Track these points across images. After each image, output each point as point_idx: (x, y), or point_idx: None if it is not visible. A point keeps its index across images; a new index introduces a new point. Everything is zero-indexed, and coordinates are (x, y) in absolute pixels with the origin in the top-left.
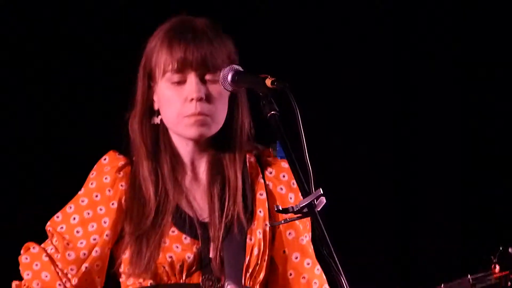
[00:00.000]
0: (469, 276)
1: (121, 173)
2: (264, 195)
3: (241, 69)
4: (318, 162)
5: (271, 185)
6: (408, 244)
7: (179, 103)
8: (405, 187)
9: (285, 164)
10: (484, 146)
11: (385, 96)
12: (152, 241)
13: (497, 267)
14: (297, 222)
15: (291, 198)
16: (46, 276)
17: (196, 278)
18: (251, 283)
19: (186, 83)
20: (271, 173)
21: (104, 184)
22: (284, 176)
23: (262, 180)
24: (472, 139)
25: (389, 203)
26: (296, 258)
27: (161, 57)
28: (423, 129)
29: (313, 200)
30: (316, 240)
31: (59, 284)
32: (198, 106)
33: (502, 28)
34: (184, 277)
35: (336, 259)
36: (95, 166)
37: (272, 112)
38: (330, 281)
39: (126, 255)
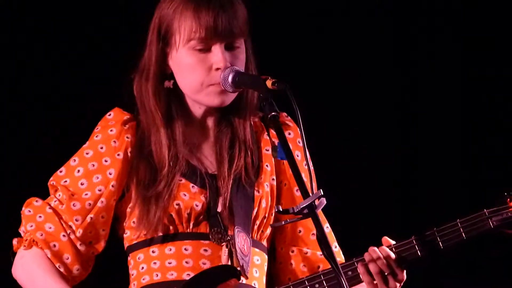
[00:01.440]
0: (485, 210)
1: (127, 126)
2: (270, 151)
3: (241, 70)
4: (319, 162)
5: (276, 142)
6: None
7: (203, 71)
8: (406, 188)
9: (289, 123)
10: (485, 148)
11: (386, 96)
12: (161, 201)
13: None
14: (304, 178)
15: (298, 156)
16: (50, 228)
17: (204, 228)
18: (258, 236)
19: (211, 51)
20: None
21: (110, 135)
22: (290, 134)
23: (267, 137)
24: (472, 140)
25: (390, 203)
26: None
27: (185, 23)
28: (425, 130)
29: (314, 201)
30: (317, 240)
31: (63, 235)
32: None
33: (502, 28)
34: (191, 226)
35: (336, 259)
36: (100, 121)
37: (273, 113)
38: None
39: (132, 212)
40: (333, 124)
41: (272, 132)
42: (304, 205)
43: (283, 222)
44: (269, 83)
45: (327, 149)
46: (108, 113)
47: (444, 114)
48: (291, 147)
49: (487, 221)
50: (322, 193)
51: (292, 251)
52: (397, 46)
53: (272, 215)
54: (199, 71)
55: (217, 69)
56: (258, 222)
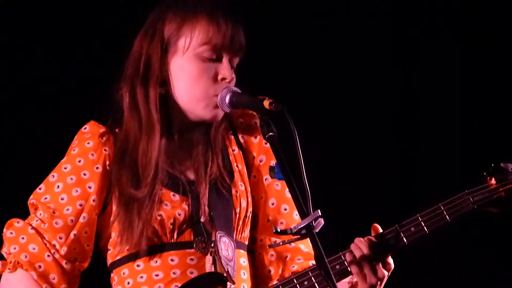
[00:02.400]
0: (466, 190)
1: (104, 138)
2: (237, 150)
3: (238, 90)
4: (318, 179)
5: (245, 137)
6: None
7: (209, 80)
8: (406, 191)
9: (253, 113)
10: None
11: (386, 107)
12: (143, 213)
13: (493, 179)
14: (272, 164)
15: (265, 144)
16: (34, 248)
17: (188, 236)
18: (241, 237)
19: (218, 62)
20: (242, 123)
21: (87, 148)
22: (255, 123)
23: (232, 136)
24: (473, 142)
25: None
26: (273, 204)
27: (199, 27)
28: (425, 134)
29: (312, 222)
30: (315, 260)
31: (48, 255)
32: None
33: (503, 27)
34: (175, 236)
35: (334, 279)
36: (76, 135)
37: (270, 134)
38: None
39: (114, 226)
40: (333, 125)
41: (239, 125)
42: (302, 226)
43: (281, 243)
44: (266, 103)
45: (325, 156)
46: (84, 127)
47: (444, 117)
48: (258, 138)
49: (469, 202)
50: (320, 214)
51: (261, 240)
52: (397, 48)
53: (250, 214)
54: (205, 79)
55: (223, 79)
56: (240, 223)
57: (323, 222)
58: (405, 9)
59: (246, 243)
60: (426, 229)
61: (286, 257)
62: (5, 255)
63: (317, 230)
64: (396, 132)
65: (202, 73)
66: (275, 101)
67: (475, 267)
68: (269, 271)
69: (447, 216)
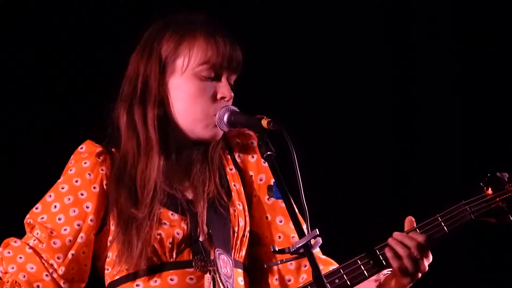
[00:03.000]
0: (463, 201)
1: (101, 158)
2: (234, 169)
3: (236, 109)
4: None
5: (241, 156)
6: None
7: (208, 99)
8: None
9: (250, 132)
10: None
11: (384, 108)
12: (142, 233)
13: (490, 189)
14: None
15: (264, 163)
16: (32, 268)
17: (187, 255)
18: (238, 256)
19: (216, 81)
20: (238, 143)
21: (84, 168)
22: (252, 143)
23: (229, 156)
24: (472, 143)
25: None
26: (281, 221)
27: (198, 47)
28: (424, 134)
29: (309, 241)
30: (312, 279)
31: (46, 275)
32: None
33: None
34: (174, 255)
35: None
36: (73, 155)
37: (268, 153)
38: None
39: (112, 246)
40: (331, 126)
41: (235, 145)
42: (300, 245)
43: (278, 262)
44: (264, 122)
45: (324, 156)
46: (80, 147)
47: (444, 117)
48: (256, 157)
49: (466, 212)
50: (318, 233)
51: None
52: (396, 48)
53: (248, 233)
54: (204, 98)
55: (222, 98)
56: (238, 242)
57: (321, 241)
58: (404, 9)
59: (243, 262)
60: None
61: (306, 265)
62: (1, 275)
63: (315, 249)
64: (395, 133)
65: (201, 93)
66: (273, 121)
67: (473, 275)
68: (289, 280)
69: (445, 227)
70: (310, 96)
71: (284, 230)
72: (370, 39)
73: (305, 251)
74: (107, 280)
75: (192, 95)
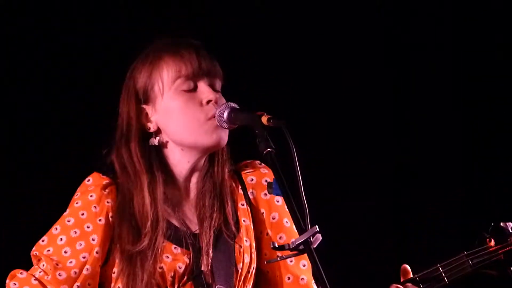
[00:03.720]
0: (464, 252)
1: (106, 190)
2: (245, 205)
3: (236, 106)
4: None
5: (255, 193)
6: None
7: (195, 107)
8: (404, 219)
9: (264, 170)
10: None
11: (383, 120)
12: (147, 265)
13: (492, 240)
14: (286, 223)
15: (277, 202)
16: None
17: None
18: None
19: (198, 89)
20: (252, 180)
21: (90, 201)
22: (266, 181)
23: (241, 191)
24: (472, 144)
25: (387, 236)
26: (291, 261)
27: (166, 67)
28: (423, 137)
29: (309, 237)
30: (312, 276)
31: None
32: (217, 106)
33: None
34: None
35: None
36: (79, 187)
37: (268, 150)
38: None
39: (118, 277)
40: (330, 126)
41: (249, 182)
42: (300, 241)
43: (278, 258)
44: (264, 119)
45: (323, 160)
46: (87, 179)
47: (443, 117)
48: (269, 195)
49: (467, 264)
50: (318, 229)
51: (289, 278)
52: (395, 47)
53: (253, 269)
54: (192, 108)
55: (208, 101)
56: (242, 278)
57: (320, 238)
58: (403, 8)
59: None
60: None
61: None
62: None
63: (315, 246)
64: (395, 131)
65: (186, 105)
66: (273, 117)
67: None
68: None
69: (445, 278)
70: (309, 95)
71: (294, 271)
72: (370, 38)
73: (305, 248)
74: None
75: (179, 110)
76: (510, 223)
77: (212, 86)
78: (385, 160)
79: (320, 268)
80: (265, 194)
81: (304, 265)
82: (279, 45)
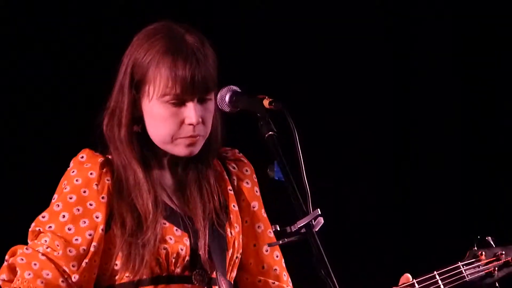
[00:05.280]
0: (459, 262)
1: (104, 168)
2: (232, 191)
3: (238, 89)
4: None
5: (236, 180)
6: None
7: (174, 124)
8: (406, 206)
9: (244, 159)
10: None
11: (384, 105)
12: (148, 247)
13: (483, 253)
14: (264, 213)
15: (256, 192)
16: (48, 274)
17: (187, 271)
18: (230, 276)
19: (184, 106)
20: (234, 168)
21: (91, 179)
22: (247, 171)
23: (226, 176)
24: (473, 145)
25: (389, 220)
26: (267, 251)
27: (160, 77)
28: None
29: (311, 221)
30: (314, 260)
31: (62, 281)
32: (196, 130)
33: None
34: (176, 270)
35: (334, 280)
36: (72, 164)
37: (270, 133)
38: None
39: (115, 254)
40: (330, 127)
41: (231, 169)
42: (302, 225)
43: (280, 242)
44: (266, 102)
45: (321, 156)
46: (80, 155)
47: (443, 114)
48: (250, 184)
49: (462, 274)
50: (320, 213)
51: (259, 281)
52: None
53: (240, 256)
54: (171, 124)
55: (190, 124)
56: (232, 263)
57: (322, 221)
58: (403, 9)
59: (232, 282)
60: None
61: None
62: (4, 282)
63: (316, 229)
64: (394, 132)
65: (168, 119)
66: (274, 100)
67: None
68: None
69: (441, 285)
70: (311, 79)
71: (269, 261)
72: (371, 36)
73: (307, 231)
74: (104, 284)
75: (159, 119)
76: (489, 237)
77: (201, 100)
78: (385, 146)
79: (322, 251)
80: (247, 183)
81: (277, 256)
82: (279, 26)
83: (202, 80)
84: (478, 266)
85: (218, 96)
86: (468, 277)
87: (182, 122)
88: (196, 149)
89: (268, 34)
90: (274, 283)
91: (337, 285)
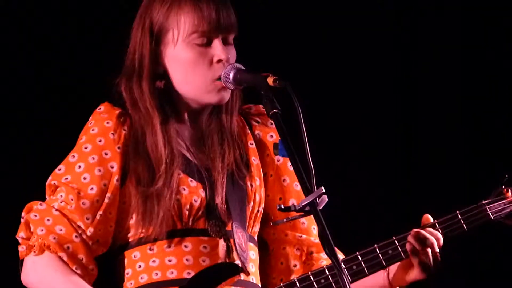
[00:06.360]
0: (483, 201)
1: (122, 119)
2: (254, 145)
3: (242, 67)
4: (320, 159)
5: (260, 134)
6: None
7: (204, 65)
8: (407, 189)
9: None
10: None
11: (388, 92)
12: (163, 200)
13: (510, 191)
14: (289, 167)
15: (278, 161)
16: (61, 230)
17: (202, 224)
18: (252, 231)
19: (210, 47)
20: (258, 122)
21: (107, 128)
22: (272, 124)
23: (249, 131)
24: (473, 140)
25: (391, 200)
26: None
27: (184, 17)
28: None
29: (315, 199)
30: (318, 237)
31: (76, 236)
32: (225, 67)
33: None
34: (190, 222)
35: (338, 257)
36: (92, 116)
37: (274, 111)
38: None
39: (129, 210)
40: (333, 121)
41: (254, 124)
42: (306, 203)
43: (284, 220)
44: (270, 80)
45: (326, 146)
46: (98, 107)
47: (444, 109)
48: (275, 137)
49: (486, 212)
50: (324, 191)
51: (286, 235)
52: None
53: (262, 210)
54: (201, 64)
55: (219, 61)
56: (253, 216)
57: (327, 199)
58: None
59: (255, 237)
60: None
61: (312, 252)
62: (21, 240)
63: (321, 207)
64: (397, 122)
65: (197, 60)
66: (279, 78)
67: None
68: (295, 265)
69: (464, 225)
70: (317, 57)
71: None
72: (375, 29)
73: (311, 209)
74: (118, 242)
75: (188, 64)
76: None
77: (225, 40)
78: (389, 125)
79: (326, 229)
80: (271, 136)
81: None
82: (282, 19)
83: (227, 17)
84: (504, 204)
85: (222, 73)
86: (492, 215)
87: (211, 62)
88: (226, 95)
89: (272, 27)
90: (301, 236)
91: (341, 263)
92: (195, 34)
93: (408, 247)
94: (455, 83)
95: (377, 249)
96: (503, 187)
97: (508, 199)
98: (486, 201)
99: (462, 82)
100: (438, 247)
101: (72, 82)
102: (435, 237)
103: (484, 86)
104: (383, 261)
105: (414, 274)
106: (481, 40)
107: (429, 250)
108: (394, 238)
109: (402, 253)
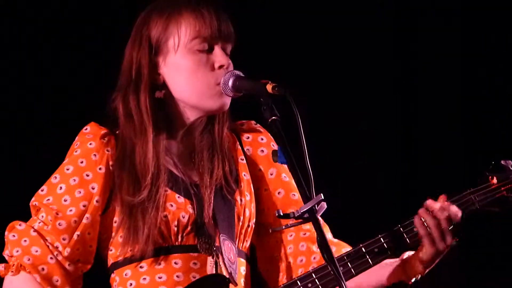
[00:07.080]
0: (470, 189)
1: (105, 139)
2: (245, 160)
3: (241, 74)
4: (319, 164)
5: (251, 150)
6: None
7: (207, 70)
8: (408, 192)
9: (260, 129)
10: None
11: (387, 96)
12: (148, 216)
13: (495, 178)
14: (284, 178)
15: (271, 174)
16: (37, 251)
17: (192, 240)
18: (242, 246)
19: (211, 53)
20: (248, 138)
21: (89, 149)
22: (262, 139)
23: (239, 147)
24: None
25: (391, 204)
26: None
27: (185, 23)
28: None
29: (314, 206)
30: (317, 244)
31: (51, 258)
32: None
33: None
34: (180, 239)
35: (337, 263)
36: (78, 136)
37: (273, 118)
38: None
39: (118, 228)
40: (332, 122)
41: (245, 140)
42: (305, 209)
43: (283, 227)
44: (269, 87)
45: (325, 148)
46: (85, 128)
47: (444, 107)
48: (266, 152)
49: (472, 201)
50: (323, 197)
51: (291, 235)
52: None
53: (253, 225)
54: (203, 70)
55: (220, 67)
56: (243, 231)
57: (325, 206)
58: (405, 8)
59: (246, 252)
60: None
61: (302, 260)
62: (7, 258)
63: (319, 214)
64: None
65: (198, 66)
66: (278, 85)
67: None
68: (301, 260)
69: (478, 203)
70: (314, 63)
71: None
72: (375, 30)
73: (310, 216)
74: (110, 261)
75: (190, 69)
76: (510, 160)
77: (224, 50)
78: (389, 125)
79: (325, 236)
80: (262, 151)
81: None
82: (282, 21)
83: (227, 26)
84: (489, 192)
85: (222, 80)
86: (478, 203)
87: (212, 68)
88: (227, 102)
89: (271, 27)
90: (303, 245)
91: (339, 270)
92: (196, 39)
93: (416, 221)
94: (455, 83)
95: (381, 239)
96: (488, 173)
97: (493, 186)
98: (471, 190)
99: (462, 82)
100: (454, 220)
101: (72, 83)
102: (448, 210)
103: (484, 86)
104: (388, 250)
105: (428, 252)
106: (481, 40)
107: (438, 224)
108: (399, 226)
109: (407, 239)
